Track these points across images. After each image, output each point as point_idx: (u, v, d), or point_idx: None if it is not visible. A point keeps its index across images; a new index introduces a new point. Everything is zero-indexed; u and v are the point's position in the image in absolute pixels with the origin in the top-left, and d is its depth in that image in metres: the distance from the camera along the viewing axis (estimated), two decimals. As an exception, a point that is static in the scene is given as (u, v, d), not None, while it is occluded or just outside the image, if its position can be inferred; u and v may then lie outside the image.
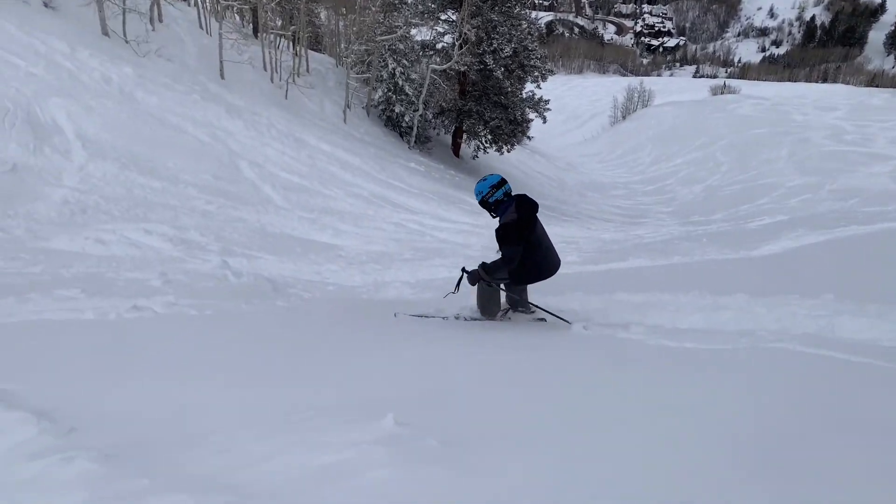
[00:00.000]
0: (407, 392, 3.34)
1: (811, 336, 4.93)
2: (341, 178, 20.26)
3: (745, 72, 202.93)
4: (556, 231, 20.63)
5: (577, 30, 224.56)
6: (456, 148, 35.21)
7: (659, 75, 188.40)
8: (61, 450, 2.33)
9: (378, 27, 29.22)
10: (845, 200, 28.00)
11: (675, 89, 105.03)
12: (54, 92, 15.86)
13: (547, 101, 33.97)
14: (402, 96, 29.89)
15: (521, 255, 5.65)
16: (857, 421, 2.99)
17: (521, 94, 33.07)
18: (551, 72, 34.68)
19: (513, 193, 6.08)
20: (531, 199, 6.13)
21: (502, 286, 6.11)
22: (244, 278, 7.15)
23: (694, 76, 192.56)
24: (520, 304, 6.37)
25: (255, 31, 30.73)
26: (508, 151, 34.66)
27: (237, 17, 33.85)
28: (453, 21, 32.10)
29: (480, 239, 16.60)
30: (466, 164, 34.93)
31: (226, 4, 25.71)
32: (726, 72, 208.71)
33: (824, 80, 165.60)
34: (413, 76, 30.12)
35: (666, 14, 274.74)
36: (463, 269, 6.00)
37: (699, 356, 4.44)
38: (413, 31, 32.65)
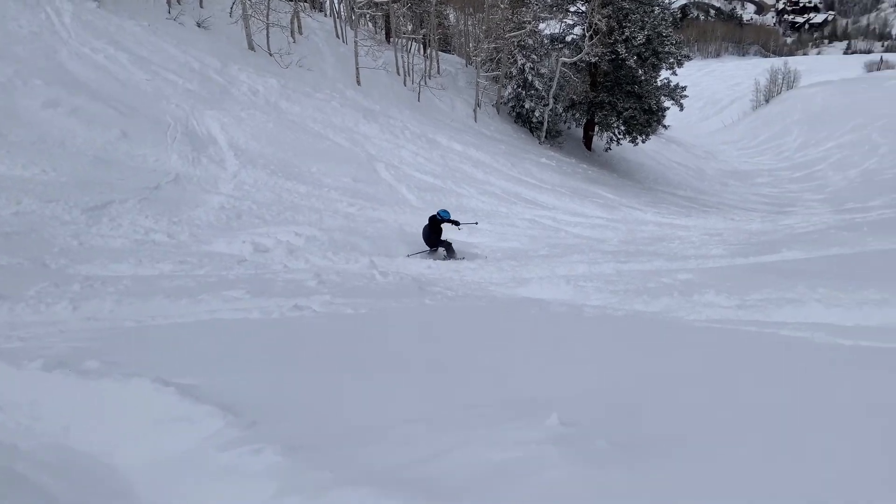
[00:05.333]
0: (567, 390, 3.29)
1: None
2: (473, 177, 20.45)
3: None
4: (696, 223, 19.81)
5: (713, 11, 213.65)
6: (588, 141, 34.56)
7: (805, 54, 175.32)
8: (248, 442, 2.48)
9: (506, 24, 29.21)
10: None
11: (824, 68, 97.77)
12: (208, 105, 17.09)
13: (683, 88, 32.57)
14: (532, 92, 29.73)
15: None
16: None
17: (656, 82, 31.89)
18: (687, 57, 33.23)
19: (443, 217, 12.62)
20: (432, 217, 12.60)
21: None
22: (390, 278, 7.37)
23: (845, 53, 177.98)
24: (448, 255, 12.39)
25: (388, 36, 31.62)
26: (643, 142, 33.58)
27: (370, 25, 34.96)
28: (583, 12, 31.52)
29: (616, 233, 16.20)
30: (599, 156, 34.22)
31: (360, 13, 26.61)
32: (883, 46, 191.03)
33: None
34: (542, 71, 29.89)
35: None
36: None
37: (880, 356, 4.08)
38: (542, 26, 32.35)
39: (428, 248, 12.55)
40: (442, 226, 12.59)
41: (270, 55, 22.19)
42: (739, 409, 2.96)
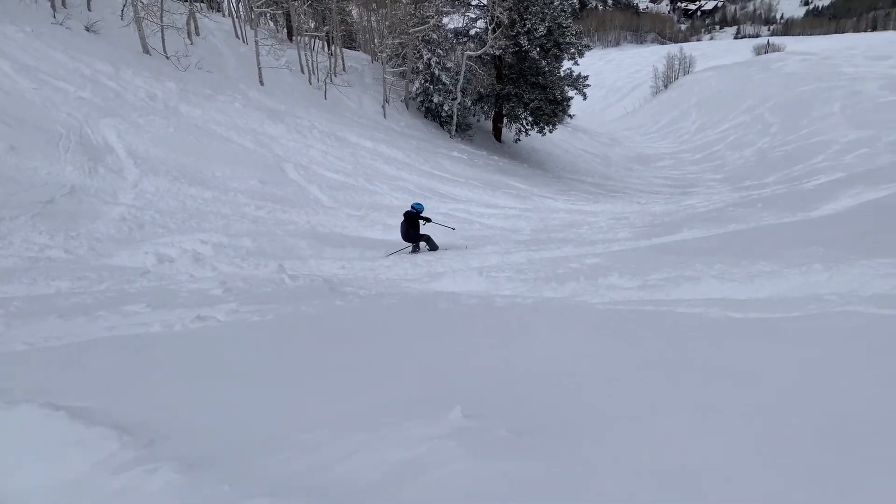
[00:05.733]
0: (472, 383, 3.34)
1: (882, 297, 4.74)
2: (386, 173, 20.38)
3: (789, 28, 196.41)
4: (605, 208, 20.40)
5: (610, 1, 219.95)
6: (497, 133, 35.02)
7: (699, 40, 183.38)
8: (144, 462, 2.40)
9: (410, 19, 29.21)
10: (905, 152, 26.91)
11: (717, 53, 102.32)
12: (103, 113, 16.34)
13: (586, 78, 33.44)
14: (440, 86, 29.86)
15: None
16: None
17: (559, 72, 32.61)
18: (588, 47, 34.14)
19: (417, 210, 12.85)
20: (407, 212, 12.73)
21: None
22: (300, 281, 7.25)
23: (735, 38, 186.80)
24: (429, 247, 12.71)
25: (290, 34, 31.07)
26: (550, 132, 34.28)
27: (271, 23, 34.26)
28: (484, 5, 31.85)
29: (529, 223, 16.50)
30: (509, 148, 34.73)
31: (259, 12, 26.03)
32: (769, 30, 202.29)
33: (874, 29, 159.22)
34: (449, 65, 30.05)
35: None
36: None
37: (768, 326, 4.32)
38: (445, 20, 32.53)
39: (409, 245, 12.70)
40: (418, 219, 12.75)
41: (167, 58, 21.44)
42: (635, 391, 3.08)
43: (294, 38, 29.52)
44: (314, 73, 27.38)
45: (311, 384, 3.50)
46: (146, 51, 21.07)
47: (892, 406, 2.63)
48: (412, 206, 12.99)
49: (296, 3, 27.71)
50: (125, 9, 22.07)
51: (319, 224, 14.21)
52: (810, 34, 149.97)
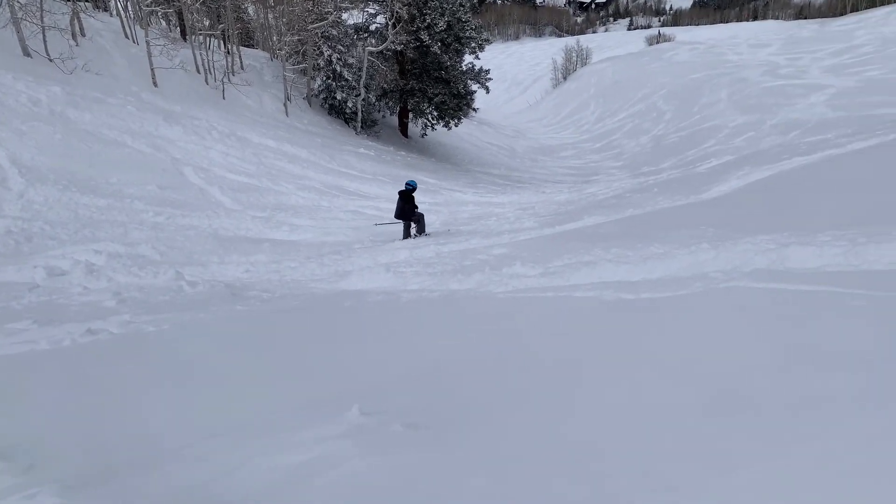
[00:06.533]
0: (371, 380, 3.35)
1: (761, 271, 5.04)
2: (290, 173, 20.03)
3: (678, 18, 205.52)
4: (511, 199, 20.77)
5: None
6: (403, 128, 35.02)
7: (594, 32, 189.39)
8: (21, 488, 2.27)
9: (308, 15, 28.76)
10: (787, 133, 28.63)
11: (612, 44, 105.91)
12: (-20, 121, 15.33)
13: (487, 71, 33.93)
14: (342, 82, 29.56)
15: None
16: (807, 347, 3.09)
17: (461, 66, 32.97)
18: (488, 41, 34.56)
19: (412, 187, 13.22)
20: (401, 191, 13.09)
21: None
22: (200, 287, 7.04)
23: (629, 29, 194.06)
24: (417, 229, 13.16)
25: (183, 33, 30.02)
26: (456, 125, 34.57)
27: (163, 23, 33.00)
28: (384, 1, 31.74)
29: (439, 216, 16.60)
30: (416, 143, 34.79)
31: (149, 10, 25.00)
32: (660, 21, 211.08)
33: (755, 18, 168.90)
34: (350, 61, 29.78)
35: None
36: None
37: (656, 305, 4.52)
38: (345, 16, 32.21)
39: (404, 224, 13.10)
40: (413, 197, 13.13)
41: (50, 61, 20.30)
42: (528, 378, 3.16)
43: (188, 37, 28.55)
44: (211, 73, 26.58)
45: (207, 392, 3.41)
46: (27, 53, 19.89)
47: (761, 370, 2.81)
48: (406, 184, 13.31)
49: (188, 1, 26.79)
50: (0, 9, 20.72)
51: (222, 227, 13.83)
52: (698, 24, 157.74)
